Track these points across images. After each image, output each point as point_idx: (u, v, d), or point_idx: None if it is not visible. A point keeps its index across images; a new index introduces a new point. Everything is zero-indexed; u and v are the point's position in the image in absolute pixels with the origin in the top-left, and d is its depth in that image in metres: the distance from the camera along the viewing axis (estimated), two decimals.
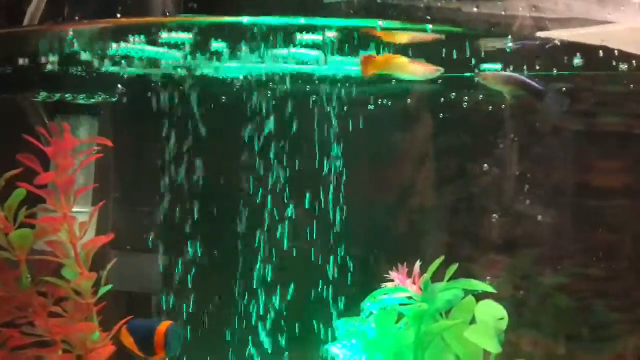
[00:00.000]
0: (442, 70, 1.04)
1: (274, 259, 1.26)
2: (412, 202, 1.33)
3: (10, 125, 1.26)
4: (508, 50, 1.09)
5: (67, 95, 1.26)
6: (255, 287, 1.26)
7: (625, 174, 1.29)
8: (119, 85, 1.29)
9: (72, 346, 1.13)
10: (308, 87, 1.28)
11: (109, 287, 1.13)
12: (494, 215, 1.29)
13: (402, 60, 1.01)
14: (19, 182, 1.08)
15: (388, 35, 1.02)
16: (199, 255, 1.32)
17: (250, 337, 1.26)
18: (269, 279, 1.26)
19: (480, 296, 1.06)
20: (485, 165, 1.24)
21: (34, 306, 1.11)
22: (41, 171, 1.11)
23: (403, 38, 1.03)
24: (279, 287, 1.25)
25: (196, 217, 1.32)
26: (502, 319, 1.04)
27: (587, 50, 1.08)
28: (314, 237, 1.26)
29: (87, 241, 1.12)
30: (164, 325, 0.95)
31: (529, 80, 1.09)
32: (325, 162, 1.29)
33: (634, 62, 1.10)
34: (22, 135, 1.14)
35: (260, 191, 1.28)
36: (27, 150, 1.13)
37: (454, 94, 1.26)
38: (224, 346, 1.24)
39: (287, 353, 1.23)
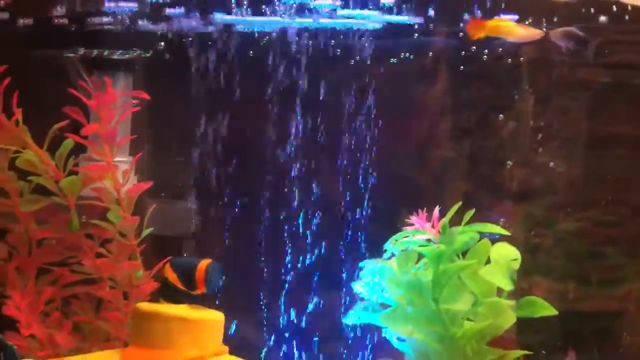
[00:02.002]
0: (543, 33, 1.14)
1: (304, 207, 1.33)
2: (432, 152, 1.39)
3: (52, 80, 1.33)
4: None
5: (104, 52, 1.33)
6: (285, 232, 1.34)
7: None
8: (153, 41, 1.35)
9: (117, 283, 1.24)
10: (332, 40, 1.33)
11: (151, 229, 1.22)
12: (509, 164, 1.35)
13: (509, 24, 1.11)
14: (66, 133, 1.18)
15: None
16: (230, 202, 1.39)
17: (281, 278, 1.34)
18: (300, 226, 1.33)
19: (494, 241, 1.14)
20: (501, 116, 1.30)
21: (82, 247, 1.21)
22: (86, 123, 1.20)
23: None
24: (308, 233, 1.32)
25: (226, 165, 1.39)
26: (515, 259, 1.12)
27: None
28: (341, 186, 1.33)
29: (130, 187, 1.21)
30: (205, 262, 1.03)
31: (580, 32, 1.18)
32: (347, 115, 1.35)
33: None
34: (66, 89, 1.23)
35: (288, 141, 1.35)
36: (70, 104, 1.21)
37: (474, 47, 1.30)
38: (256, 287, 1.33)
39: (316, 292, 1.30)
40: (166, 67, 1.38)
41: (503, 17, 1.15)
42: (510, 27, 1.14)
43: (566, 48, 1.18)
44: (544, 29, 1.20)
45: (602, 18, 1.21)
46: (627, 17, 1.18)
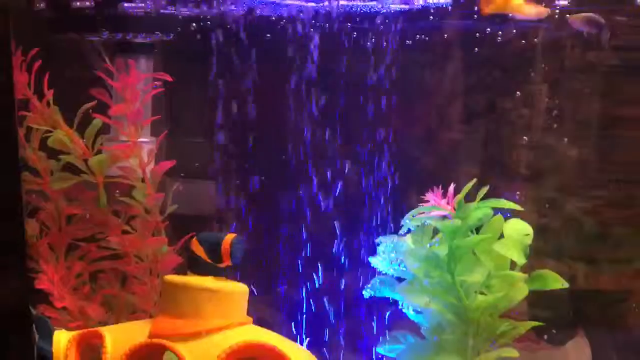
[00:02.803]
0: (549, 10, 1.17)
1: (324, 186, 1.36)
2: (447, 134, 1.42)
3: (78, 62, 1.37)
4: None
5: (127, 35, 1.37)
6: (303, 211, 1.37)
7: None
8: (175, 25, 1.38)
9: (142, 258, 1.28)
10: (349, 24, 1.36)
11: (175, 206, 1.27)
12: (522, 145, 1.38)
13: (518, 2, 1.14)
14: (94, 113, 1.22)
15: None
16: (248, 182, 1.42)
17: (299, 256, 1.37)
18: (318, 204, 1.36)
19: (506, 219, 1.18)
20: (517, 94, 1.33)
21: (110, 223, 1.26)
22: (112, 104, 1.24)
23: None
24: (329, 211, 1.35)
25: (243, 146, 1.42)
26: (527, 234, 1.15)
27: None
28: (359, 165, 1.36)
29: (154, 166, 1.26)
30: (230, 237, 1.07)
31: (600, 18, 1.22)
32: (363, 96, 1.37)
33: None
34: (92, 71, 1.27)
35: (309, 123, 1.38)
36: (97, 86, 1.25)
37: (488, 29, 1.33)
38: (276, 260, 1.37)
39: (335, 267, 1.34)
40: (187, 51, 1.41)
41: None
42: (518, 5, 1.18)
43: (587, 33, 1.22)
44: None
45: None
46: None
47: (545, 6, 1.19)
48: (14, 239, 1.38)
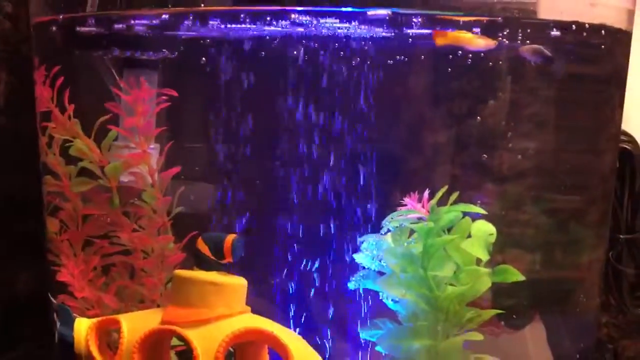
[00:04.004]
0: (497, 42, 1.32)
1: (312, 194, 1.44)
2: (425, 140, 1.54)
3: (92, 78, 1.50)
4: None
5: (136, 53, 1.49)
6: (297, 213, 1.47)
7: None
8: (177, 44, 1.51)
9: (149, 254, 1.43)
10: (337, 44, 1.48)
11: (181, 208, 1.41)
12: (490, 152, 1.52)
13: (469, 35, 1.29)
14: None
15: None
16: (247, 184, 1.53)
17: (288, 255, 1.48)
18: (308, 210, 1.45)
19: (475, 218, 1.34)
20: (490, 103, 1.45)
21: (121, 223, 1.40)
22: (124, 116, 1.38)
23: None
24: (317, 214, 1.45)
25: (243, 150, 1.52)
26: (491, 234, 1.32)
27: None
28: (344, 168, 1.47)
29: (163, 172, 1.40)
30: (231, 237, 1.21)
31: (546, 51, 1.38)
32: (352, 108, 1.48)
33: None
34: (105, 86, 1.40)
35: (303, 131, 1.46)
36: (109, 99, 1.38)
37: (460, 51, 1.48)
38: (271, 257, 1.50)
39: (319, 261, 1.47)
40: (188, 67, 1.52)
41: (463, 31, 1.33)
42: (469, 38, 1.32)
43: (534, 62, 1.38)
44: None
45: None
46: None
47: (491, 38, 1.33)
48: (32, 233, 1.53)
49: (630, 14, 1.54)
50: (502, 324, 1.44)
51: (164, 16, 1.40)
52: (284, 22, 1.38)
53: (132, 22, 1.40)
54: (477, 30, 1.31)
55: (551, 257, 1.51)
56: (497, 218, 1.38)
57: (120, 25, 1.40)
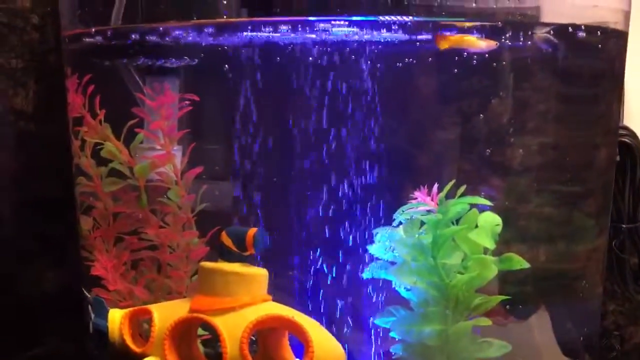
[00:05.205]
0: (498, 44, 1.39)
1: (327, 189, 1.51)
2: (433, 138, 1.61)
3: (120, 85, 1.58)
4: None
5: (159, 61, 1.58)
6: (312, 209, 1.53)
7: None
8: (198, 52, 1.59)
9: (174, 249, 1.52)
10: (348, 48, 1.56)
11: (205, 204, 1.50)
12: (494, 147, 1.59)
13: (471, 38, 1.37)
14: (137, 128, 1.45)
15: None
16: (265, 181, 1.60)
17: (306, 247, 1.55)
18: (323, 204, 1.52)
19: (481, 209, 1.41)
20: (494, 102, 1.52)
21: (148, 220, 1.49)
22: (150, 120, 1.47)
23: None
24: (330, 209, 1.51)
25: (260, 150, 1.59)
26: (497, 225, 1.39)
27: None
28: (353, 164, 1.54)
29: (187, 172, 1.49)
30: (253, 230, 1.29)
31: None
32: (359, 106, 1.55)
33: None
34: (130, 91, 1.49)
35: (320, 130, 1.51)
36: (134, 105, 1.47)
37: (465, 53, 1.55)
38: (290, 250, 1.57)
39: (335, 253, 1.55)
40: (208, 73, 1.60)
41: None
42: (471, 41, 1.40)
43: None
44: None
45: None
46: None
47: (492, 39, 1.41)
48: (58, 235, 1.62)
49: (626, 15, 1.62)
50: (508, 314, 1.51)
51: (186, 28, 1.48)
52: (300, 31, 1.46)
53: (156, 33, 1.49)
54: (479, 34, 1.39)
55: (555, 247, 1.58)
56: (503, 209, 1.45)
57: (145, 37, 1.49)
